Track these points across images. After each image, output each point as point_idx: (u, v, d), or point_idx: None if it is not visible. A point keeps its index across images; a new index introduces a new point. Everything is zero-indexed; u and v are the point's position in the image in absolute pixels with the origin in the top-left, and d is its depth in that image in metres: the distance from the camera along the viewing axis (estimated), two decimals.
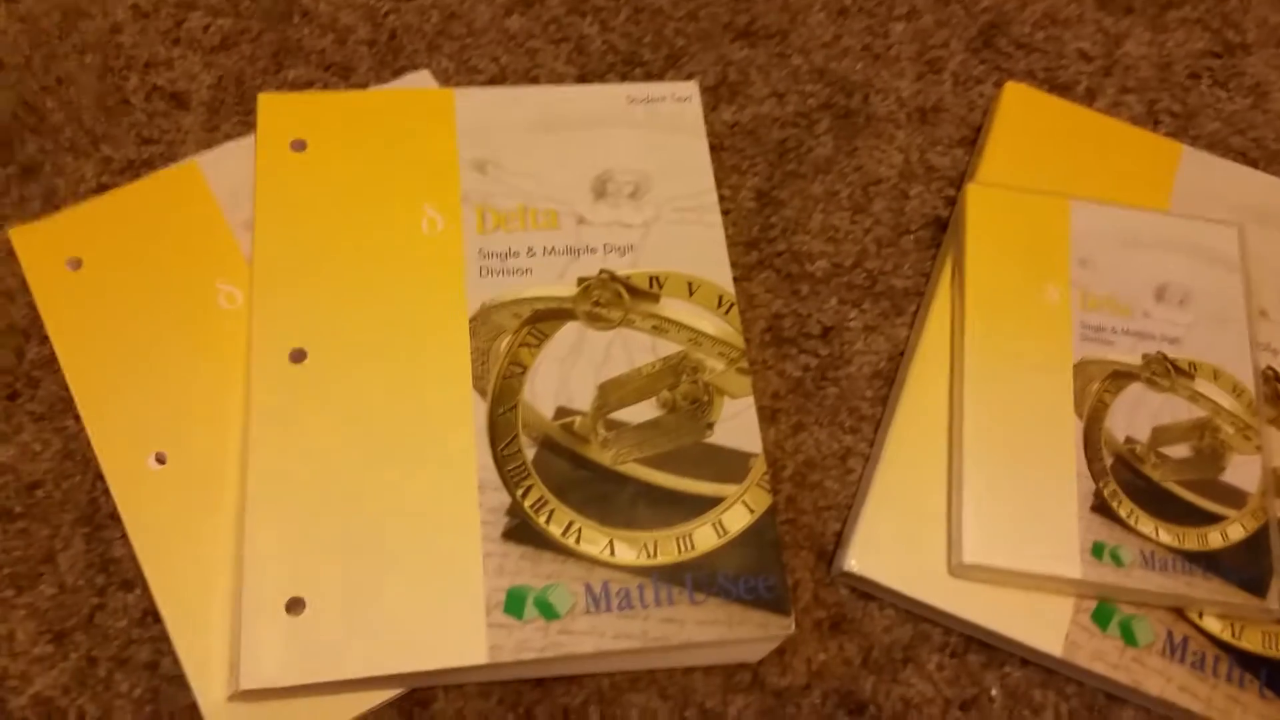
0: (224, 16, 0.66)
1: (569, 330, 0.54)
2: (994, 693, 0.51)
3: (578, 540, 0.49)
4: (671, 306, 0.55)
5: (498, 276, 0.55)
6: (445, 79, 0.64)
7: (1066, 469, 0.52)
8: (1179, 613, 0.51)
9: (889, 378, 0.58)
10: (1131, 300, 0.57)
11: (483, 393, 0.52)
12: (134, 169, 0.61)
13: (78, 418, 0.53)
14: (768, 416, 0.56)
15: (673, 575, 0.49)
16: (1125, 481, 0.52)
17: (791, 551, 0.53)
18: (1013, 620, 0.50)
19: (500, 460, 0.51)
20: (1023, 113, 0.64)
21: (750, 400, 0.53)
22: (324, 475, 0.49)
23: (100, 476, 0.52)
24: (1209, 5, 0.72)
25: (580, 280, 0.55)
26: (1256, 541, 0.51)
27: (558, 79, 0.65)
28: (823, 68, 0.67)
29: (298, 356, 0.52)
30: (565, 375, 0.53)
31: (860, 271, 0.61)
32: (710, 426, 0.52)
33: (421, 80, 0.64)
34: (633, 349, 0.54)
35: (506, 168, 0.58)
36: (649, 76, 0.66)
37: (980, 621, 0.50)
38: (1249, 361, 0.55)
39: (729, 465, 0.51)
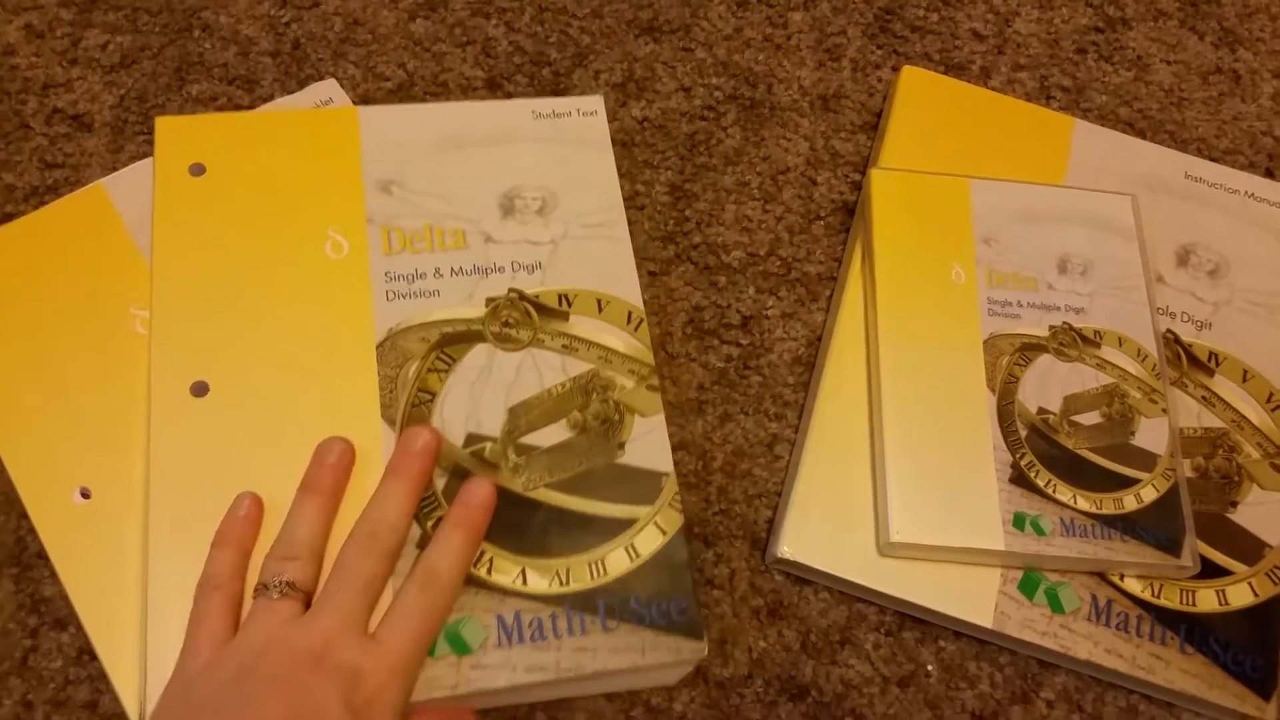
0: (122, 33, 0.61)
1: (478, 352, 0.50)
2: (930, 668, 0.49)
3: (489, 571, 0.45)
4: (581, 324, 0.51)
5: (405, 300, 0.51)
6: (352, 86, 0.61)
7: (983, 443, 0.51)
8: (1101, 576, 0.50)
9: (809, 363, 0.56)
10: (1035, 274, 0.55)
11: (391, 422, 0.48)
12: (39, 195, 0.56)
13: None
14: (695, 408, 0.54)
15: (585, 603, 0.45)
16: (1041, 451, 0.51)
17: (726, 541, 0.51)
18: (943, 595, 0.49)
19: None
20: (921, 96, 0.62)
21: (661, 418, 0.49)
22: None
23: (25, 515, 0.48)
24: None
25: (489, 300, 0.51)
26: (1168, 501, 0.50)
27: (465, 82, 0.62)
28: (726, 60, 0.64)
29: (199, 390, 0.48)
30: (475, 400, 0.49)
31: (775, 259, 0.58)
32: (621, 446, 0.49)
33: (328, 89, 0.60)
34: (543, 369, 0.50)
35: (412, 187, 0.54)
36: (556, 76, 0.63)
37: (912, 598, 0.49)
38: (1150, 326, 0.54)
39: (641, 486, 0.48)
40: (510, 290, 0.52)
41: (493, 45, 0.63)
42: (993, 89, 0.65)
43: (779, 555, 0.49)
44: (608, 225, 0.54)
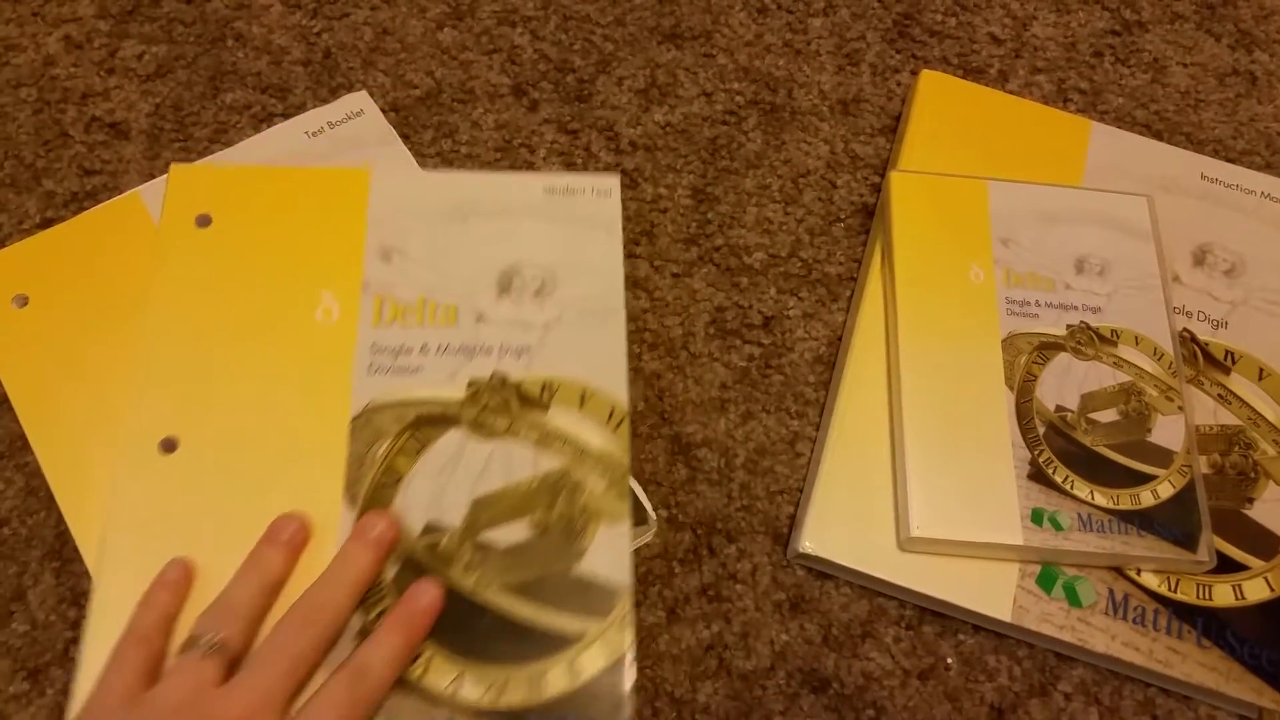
0: (158, 44, 0.63)
1: (451, 438, 0.49)
2: (950, 661, 0.50)
3: (424, 673, 0.44)
4: (560, 417, 0.50)
5: (387, 374, 0.50)
6: (382, 94, 0.62)
7: (1002, 440, 0.51)
8: (1118, 571, 0.51)
9: (830, 362, 0.57)
10: (1053, 273, 0.56)
11: (353, 500, 0.47)
12: (77, 201, 0.58)
13: None
14: (717, 406, 0.55)
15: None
16: (1059, 448, 0.52)
17: (748, 537, 0.52)
18: (962, 589, 0.50)
19: None
20: (939, 99, 0.63)
21: (626, 527, 0.48)
22: None
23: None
24: None
25: (471, 383, 0.50)
26: (1184, 497, 0.51)
27: (492, 89, 0.63)
28: (747, 66, 0.65)
29: (168, 446, 0.48)
30: (440, 488, 0.48)
31: (796, 261, 0.59)
32: (581, 554, 0.47)
33: (359, 101, 0.61)
34: (513, 462, 0.49)
35: (412, 256, 0.53)
36: (580, 82, 0.64)
37: (932, 592, 0.49)
38: (1167, 326, 0.55)
39: (595, 598, 0.46)
40: (494, 374, 0.51)
41: (518, 53, 0.65)
42: (1010, 92, 0.65)
43: (801, 550, 0.50)
44: (604, 314, 0.52)
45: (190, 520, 0.47)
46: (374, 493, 0.48)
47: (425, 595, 0.45)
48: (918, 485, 0.50)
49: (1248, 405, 0.55)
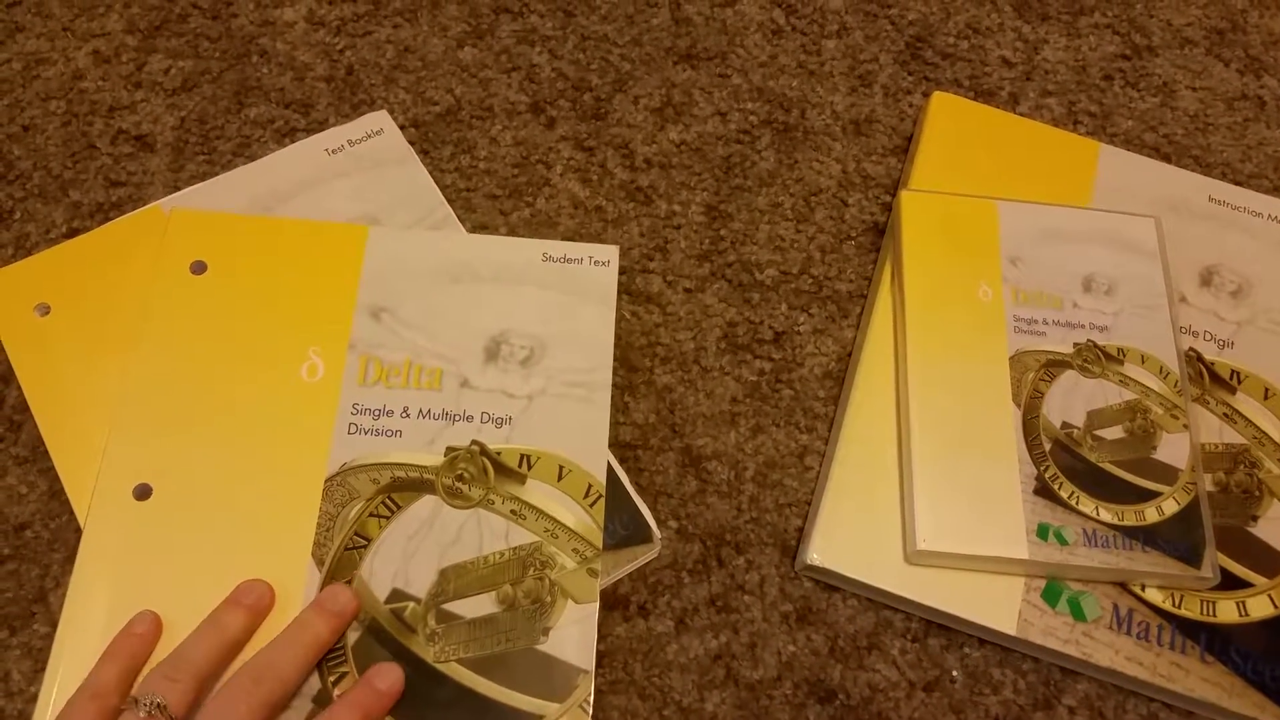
0: (184, 59, 0.65)
1: (424, 504, 0.49)
2: (955, 674, 0.51)
3: None
4: (536, 490, 0.50)
5: (366, 435, 0.50)
6: (403, 111, 0.64)
7: (1009, 456, 0.52)
8: (1123, 586, 0.51)
9: (839, 378, 0.58)
10: (1061, 293, 0.57)
11: (320, 562, 0.48)
12: (103, 212, 0.59)
13: None
14: (728, 420, 0.56)
15: None
16: (1065, 465, 0.53)
17: (757, 549, 0.53)
18: (968, 603, 0.51)
19: None
20: (950, 120, 0.64)
21: (594, 608, 0.48)
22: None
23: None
24: (1117, 10, 0.72)
25: (449, 449, 0.51)
26: (1189, 514, 0.52)
27: (510, 107, 0.64)
28: (761, 86, 0.67)
29: (143, 493, 0.49)
30: (409, 554, 0.48)
31: (806, 278, 0.61)
32: (546, 632, 0.47)
33: (378, 121, 0.63)
34: (485, 533, 0.49)
35: (402, 317, 0.53)
36: (597, 101, 0.65)
37: (938, 605, 0.50)
38: (1173, 345, 0.56)
39: (555, 680, 0.46)
40: (473, 443, 0.51)
41: (536, 71, 0.66)
42: (1021, 114, 0.67)
43: (809, 562, 0.51)
44: (590, 387, 0.53)
45: (158, 568, 0.47)
46: (342, 555, 0.48)
47: (386, 678, 0.45)
48: (925, 499, 0.51)
49: (1253, 424, 0.56)
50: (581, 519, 0.50)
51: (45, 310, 0.55)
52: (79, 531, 0.51)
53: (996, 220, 0.59)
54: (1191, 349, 0.58)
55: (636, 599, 0.51)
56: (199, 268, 0.54)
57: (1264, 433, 0.56)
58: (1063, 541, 0.51)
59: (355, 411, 0.51)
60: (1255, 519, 0.54)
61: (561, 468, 0.51)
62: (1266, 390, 0.57)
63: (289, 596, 0.47)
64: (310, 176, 0.60)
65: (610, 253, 0.56)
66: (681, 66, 0.67)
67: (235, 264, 0.54)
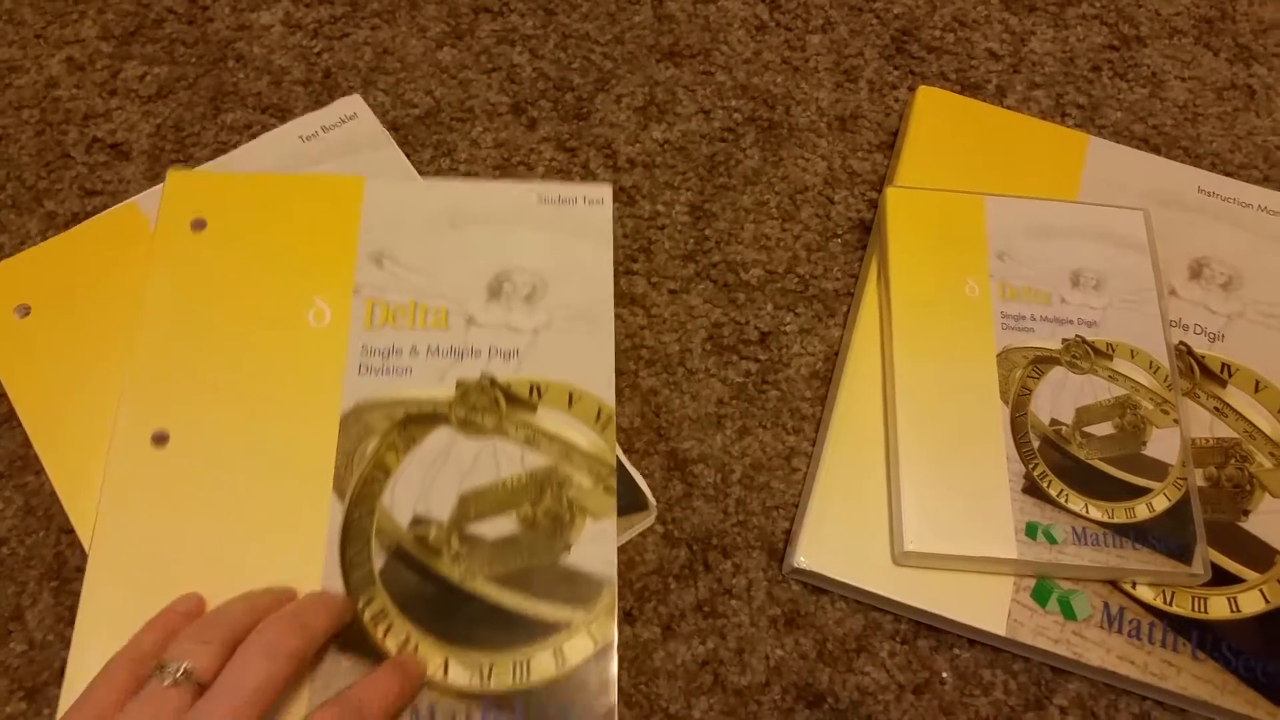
0: (160, 65, 0.65)
1: (439, 435, 0.51)
2: (945, 675, 0.50)
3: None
4: (548, 417, 0.52)
5: (377, 375, 0.52)
6: (382, 113, 0.63)
7: (997, 454, 0.52)
8: (1114, 584, 0.51)
9: (826, 378, 0.57)
10: (1048, 288, 0.57)
11: (341, 494, 0.49)
12: (78, 221, 0.59)
13: (38, 473, 0.52)
14: (714, 422, 0.56)
15: (503, 703, 0.45)
16: (1053, 462, 0.52)
17: (744, 552, 0.53)
18: (957, 603, 0.50)
19: (347, 567, 0.48)
20: (936, 115, 0.64)
21: (612, 522, 0.50)
22: (166, 565, 0.47)
23: (65, 529, 0.51)
24: (1105, 1, 0.72)
25: (459, 384, 0.52)
26: (1179, 510, 0.52)
27: (491, 108, 0.64)
28: (745, 83, 0.67)
29: (160, 439, 0.49)
30: (429, 483, 0.50)
31: (792, 277, 0.60)
32: (568, 548, 0.49)
33: (352, 105, 0.63)
34: (501, 459, 0.50)
35: (403, 262, 0.55)
36: (579, 100, 0.65)
37: (926, 607, 0.50)
38: (1163, 339, 0.56)
39: (581, 590, 0.48)
40: (483, 375, 0.52)
41: (517, 72, 0.66)
42: (1008, 107, 0.67)
43: (796, 565, 0.51)
44: (592, 320, 0.54)
45: (180, 512, 0.48)
46: (362, 487, 0.49)
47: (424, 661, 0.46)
48: (912, 499, 0.51)
49: (1244, 418, 0.56)
50: (594, 441, 0.51)
51: (25, 311, 0.55)
52: (56, 547, 0.51)
53: (983, 215, 0.58)
54: (1182, 343, 0.58)
55: (623, 605, 0.51)
56: (199, 224, 0.55)
57: (1255, 426, 0.56)
58: (1052, 540, 0.50)
59: (365, 353, 0.52)
60: (1246, 514, 0.53)
61: (571, 394, 0.52)
62: (1258, 383, 0.57)
63: (313, 528, 0.48)
64: (286, 164, 0.60)
65: (603, 192, 0.58)
66: (664, 64, 0.67)
67: (234, 219, 0.55)
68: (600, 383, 0.53)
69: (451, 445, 0.51)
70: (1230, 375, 0.57)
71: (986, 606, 0.50)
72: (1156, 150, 0.66)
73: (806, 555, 0.51)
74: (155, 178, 0.61)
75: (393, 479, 0.50)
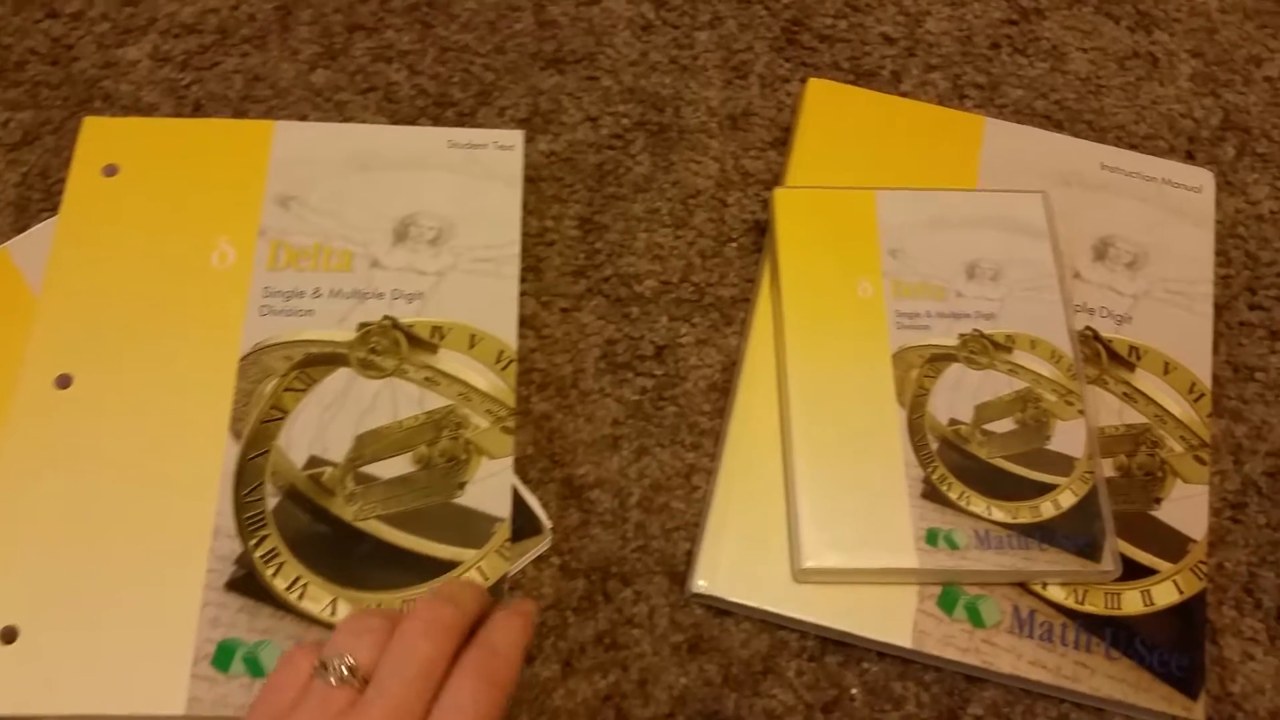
0: (23, 110, 0.63)
1: (338, 376, 0.52)
2: (854, 692, 0.50)
3: (300, 597, 0.47)
4: (448, 359, 0.53)
5: (278, 316, 0.53)
6: None
7: (894, 460, 0.51)
8: (1023, 587, 0.50)
9: (725, 390, 0.56)
10: (944, 282, 0.56)
11: (237, 435, 0.50)
12: None
13: None
14: (610, 444, 0.55)
15: None
16: (953, 464, 0.52)
17: (644, 579, 0.52)
18: (861, 618, 0.50)
19: (240, 507, 0.49)
20: (827, 108, 0.62)
21: (509, 462, 0.51)
22: (64, 506, 0.48)
23: None
24: None
25: (361, 326, 0.53)
26: (1086, 505, 0.51)
27: None
28: (633, 86, 0.65)
29: (63, 382, 0.51)
30: (325, 423, 0.51)
31: (687, 286, 0.59)
32: (462, 487, 0.50)
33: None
34: (400, 400, 0.52)
35: (310, 204, 0.56)
36: (461, 116, 0.64)
37: (830, 624, 0.49)
38: (1065, 326, 0.55)
39: (472, 529, 0.49)
40: (384, 317, 0.53)
41: (395, 90, 0.64)
42: (904, 93, 0.65)
43: (694, 590, 0.50)
44: (499, 262, 0.55)
45: (80, 453, 0.49)
46: (259, 427, 0.51)
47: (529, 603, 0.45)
48: (809, 514, 0.50)
49: (1154, 402, 0.55)
50: (494, 382, 0.52)
51: None
52: None
53: (875, 211, 0.57)
54: (1088, 328, 0.57)
55: None
56: (110, 170, 0.56)
57: (1165, 410, 0.55)
58: (954, 546, 0.49)
59: (267, 294, 0.53)
60: (1158, 501, 0.53)
61: (473, 336, 0.53)
62: (1166, 365, 0.56)
63: (208, 469, 0.49)
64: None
65: (514, 137, 0.59)
66: (548, 72, 0.66)
67: (146, 164, 0.56)
68: (503, 325, 0.54)
69: (350, 386, 0.52)
70: (1139, 359, 0.56)
71: (891, 618, 0.50)
72: (1060, 126, 0.65)
73: (705, 579, 0.50)
74: (23, 228, 0.59)
75: (290, 420, 0.51)
